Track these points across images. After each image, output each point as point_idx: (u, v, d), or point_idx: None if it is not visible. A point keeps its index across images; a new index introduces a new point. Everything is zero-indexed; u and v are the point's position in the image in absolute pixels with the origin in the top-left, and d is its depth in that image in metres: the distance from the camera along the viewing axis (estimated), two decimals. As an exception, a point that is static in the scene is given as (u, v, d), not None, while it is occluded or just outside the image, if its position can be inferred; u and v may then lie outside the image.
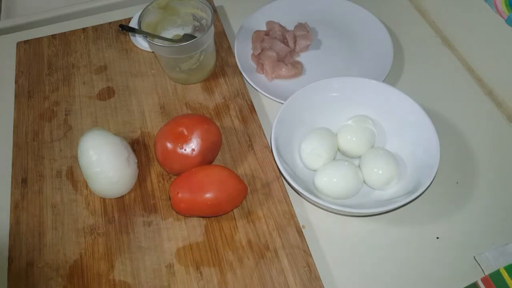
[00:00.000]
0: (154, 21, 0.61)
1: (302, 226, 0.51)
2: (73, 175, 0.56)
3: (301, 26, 0.69)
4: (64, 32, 0.71)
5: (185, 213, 0.49)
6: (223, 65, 0.66)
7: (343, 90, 0.56)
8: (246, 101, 0.61)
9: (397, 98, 0.54)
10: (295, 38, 0.68)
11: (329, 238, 0.51)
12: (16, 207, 0.53)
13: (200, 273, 0.47)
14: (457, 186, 0.54)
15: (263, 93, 0.62)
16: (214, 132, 0.52)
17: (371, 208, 0.47)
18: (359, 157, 0.54)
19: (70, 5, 0.75)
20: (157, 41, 0.58)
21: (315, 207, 0.53)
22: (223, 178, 0.48)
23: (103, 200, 0.53)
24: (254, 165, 0.55)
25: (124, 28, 0.59)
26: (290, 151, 0.55)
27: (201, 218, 0.51)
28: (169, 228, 0.51)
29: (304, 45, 0.67)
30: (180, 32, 0.64)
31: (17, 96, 0.64)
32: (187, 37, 0.62)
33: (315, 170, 0.53)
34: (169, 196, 0.48)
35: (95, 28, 0.72)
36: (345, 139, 0.55)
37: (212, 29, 0.58)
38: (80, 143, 0.51)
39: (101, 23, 0.72)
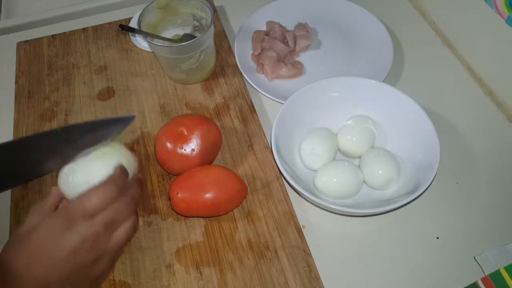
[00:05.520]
0: (154, 21, 0.61)
1: (302, 226, 0.51)
2: (73, 175, 0.55)
3: (301, 26, 0.69)
4: (64, 32, 0.71)
5: (185, 213, 0.49)
6: (223, 65, 0.66)
7: (343, 90, 0.56)
8: (246, 101, 0.61)
9: (397, 98, 0.54)
10: (295, 38, 0.67)
11: (329, 238, 0.51)
12: (16, 207, 0.53)
13: (200, 273, 0.47)
14: (457, 186, 0.54)
15: (263, 93, 0.62)
16: (214, 132, 0.52)
17: (371, 208, 0.47)
18: (359, 157, 0.54)
19: (70, 5, 0.75)
20: (157, 41, 0.58)
21: (315, 207, 0.53)
22: (223, 178, 0.48)
23: (103, 200, 0.53)
24: (254, 165, 0.55)
25: (124, 28, 0.59)
26: (290, 151, 0.55)
27: (201, 218, 0.51)
28: (169, 228, 0.50)
29: (304, 45, 0.67)
30: (180, 32, 0.64)
31: (17, 96, 0.64)
32: (187, 37, 0.62)
33: (315, 170, 0.53)
34: (169, 196, 0.48)
35: (95, 28, 0.72)
36: (345, 139, 0.55)
37: (212, 29, 0.58)
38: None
39: (101, 23, 0.72)
